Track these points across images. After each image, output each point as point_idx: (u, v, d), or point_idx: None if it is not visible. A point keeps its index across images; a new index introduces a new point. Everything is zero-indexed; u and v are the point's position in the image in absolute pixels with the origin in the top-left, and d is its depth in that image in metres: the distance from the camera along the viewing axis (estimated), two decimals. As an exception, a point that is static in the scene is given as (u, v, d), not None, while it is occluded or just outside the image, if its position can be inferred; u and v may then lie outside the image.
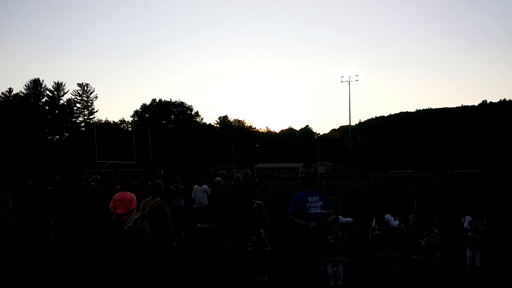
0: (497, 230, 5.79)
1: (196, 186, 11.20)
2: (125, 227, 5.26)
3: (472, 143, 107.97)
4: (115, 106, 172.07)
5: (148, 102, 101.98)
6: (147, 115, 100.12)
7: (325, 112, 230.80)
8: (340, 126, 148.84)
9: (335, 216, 5.48)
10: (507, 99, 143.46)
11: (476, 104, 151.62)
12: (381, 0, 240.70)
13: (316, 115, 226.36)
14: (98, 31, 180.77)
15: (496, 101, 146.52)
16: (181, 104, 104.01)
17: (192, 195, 11.23)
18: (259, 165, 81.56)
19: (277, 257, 7.26)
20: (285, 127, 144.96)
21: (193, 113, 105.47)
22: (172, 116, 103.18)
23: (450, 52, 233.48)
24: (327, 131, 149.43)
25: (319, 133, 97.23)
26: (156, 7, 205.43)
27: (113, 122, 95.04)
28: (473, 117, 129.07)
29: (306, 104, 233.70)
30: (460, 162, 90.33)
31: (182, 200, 10.80)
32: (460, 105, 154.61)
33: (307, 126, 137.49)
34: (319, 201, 4.96)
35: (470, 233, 6.47)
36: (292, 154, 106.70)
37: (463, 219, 6.74)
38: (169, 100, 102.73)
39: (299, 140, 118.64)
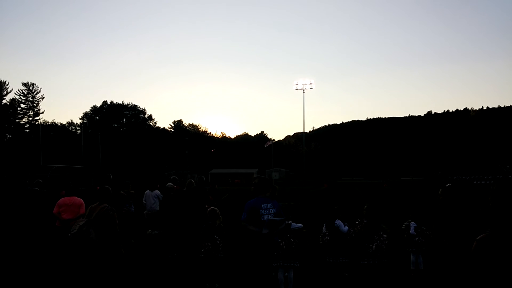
0: (437, 232, 6.09)
1: (147, 191, 10.93)
2: (69, 234, 5.01)
3: (418, 151, 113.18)
4: (63, 108, 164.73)
5: (98, 104, 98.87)
6: (97, 117, 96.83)
7: (280, 119, 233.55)
8: (295, 133, 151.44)
9: (287, 223, 5.52)
10: (450, 111, 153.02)
11: (422, 114, 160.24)
12: (335, 10, 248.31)
13: (271, 122, 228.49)
14: (46, 27, 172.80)
15: (440, 112, 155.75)
16: (134, 107, 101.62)
17: (143, 201, 10.94)
18: (214, 171, 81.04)
19: (229, 264, 7.21)
20: (240, 133, 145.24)
21: (146, 116, 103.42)
22: (124, 119, 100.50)
23: (399, 65, 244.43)
24: (281, 138, 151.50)
25: (274, 139, 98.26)
26: (108, 5, 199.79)
27: (61, 124, 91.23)
28: (419, 126, 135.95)
29: (261, 110, 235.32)
30: (407, 169, 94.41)
31: (133, 206, 10.50)
32: (407, 115, 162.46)
33: (262, 132, 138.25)
34: (272, 208, 4.97)
35: (417, 238, 6.72)
36: (247, 159, 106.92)
37: (404, 224, 7.02)
38: (121, 103, 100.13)
39: (254, 146, 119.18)
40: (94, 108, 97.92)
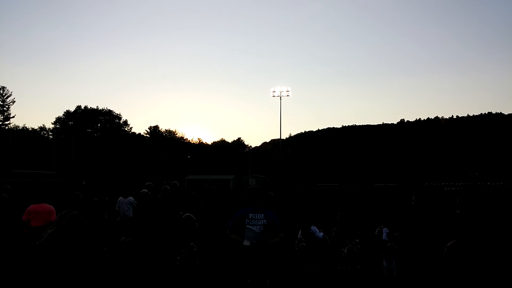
0: (409, 238, 6.20)
1: (120, 198, 10.71)
2: (37, 242, 4.85)
3: (391, 158, 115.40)
4: (35, 112, 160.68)
5: (72, 109, 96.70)
6: (70, 122, 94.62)
7: (256, 125, 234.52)
8: (271, 140, 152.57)
9: (281, 237, 4.73)
10: (422, 119, 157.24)
11: (395, 122, 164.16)
12: (312, 19, 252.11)
13: (248, 128, 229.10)
14: (17, 29, 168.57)
15: (412, 120, 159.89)
16: (109, 112, 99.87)
17: (116, 207, 10.72)
18: (190, 177, 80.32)
19: (204, 271, 7.13)
20: (217, 139, 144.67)
21: (121, 122, 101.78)
22: (99, 125, 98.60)
23: (373, 75, 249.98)
24: (258, 144, 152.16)
25: (250, 146, 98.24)
26: (84, 8, 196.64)
27: (32, 128, 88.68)
28: (392, 134, 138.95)
29: (238, 117, 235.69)
30: (380, 176, 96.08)
31: (106, 213, 10.27)
32: (381, 123, 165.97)
33: (239, 138, 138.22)
34: (262, 219, 4.51)
35: (389, 243, 6.82)
36: (223, 166, 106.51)
37: (377, 230, 7.12)
38: (95, 108, 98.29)
39: (231, 152, 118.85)
40: (67, 113, 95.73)
